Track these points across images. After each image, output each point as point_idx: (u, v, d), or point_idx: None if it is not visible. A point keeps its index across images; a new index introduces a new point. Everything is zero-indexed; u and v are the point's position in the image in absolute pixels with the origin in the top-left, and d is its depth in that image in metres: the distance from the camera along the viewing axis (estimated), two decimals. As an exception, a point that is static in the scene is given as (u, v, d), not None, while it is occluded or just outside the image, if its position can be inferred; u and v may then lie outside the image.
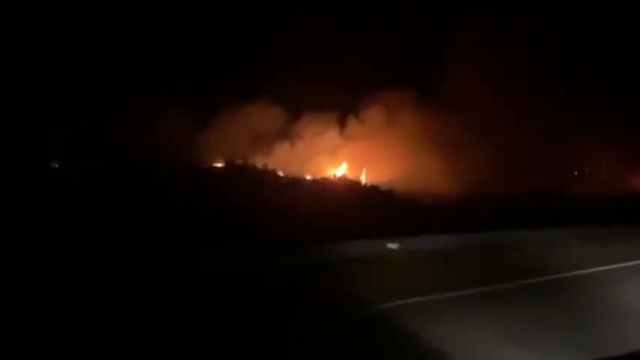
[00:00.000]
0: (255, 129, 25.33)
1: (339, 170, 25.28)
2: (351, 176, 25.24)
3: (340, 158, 26.06)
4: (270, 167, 23.39)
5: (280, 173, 23.42)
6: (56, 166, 20.89)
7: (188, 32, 25.10)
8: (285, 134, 26.16)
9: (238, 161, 22.83)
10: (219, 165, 23.34)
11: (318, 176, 24.79)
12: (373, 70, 28.19)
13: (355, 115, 27.40)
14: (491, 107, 27.40)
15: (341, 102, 27.54)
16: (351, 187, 23.05)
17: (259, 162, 24.02)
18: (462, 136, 27.82)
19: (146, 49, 23.94)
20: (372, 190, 22.59)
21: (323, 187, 22.02)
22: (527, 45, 27.27)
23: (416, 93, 27.52)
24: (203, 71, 24.92)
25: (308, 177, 23.86)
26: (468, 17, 28.25)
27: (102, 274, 8.11)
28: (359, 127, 27.20)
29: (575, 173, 29.61)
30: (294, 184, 21.65)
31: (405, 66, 28.52)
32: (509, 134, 27.49)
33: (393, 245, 11.52)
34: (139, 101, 22.70)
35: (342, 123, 27.29)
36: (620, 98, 26.82)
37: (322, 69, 27.43)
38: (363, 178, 25.23)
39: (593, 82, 26.60)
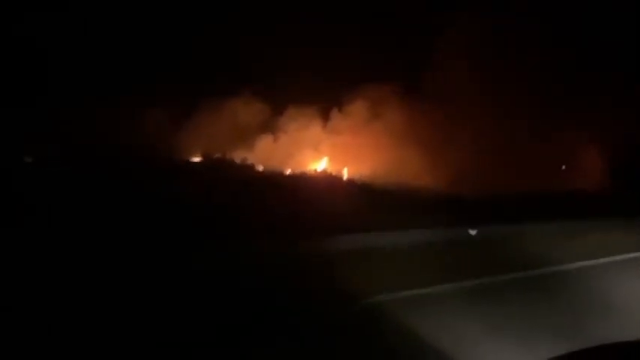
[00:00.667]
0: (238, 123, 25.12)
1: (320, 165, 25.04)
2: (333, 171, 25.04)
3: (324, 152, 25.84)
4: (251, 162, 23.24)
5: (260, 168, 23.25)
6: (29, 161, 20.71)
7: (168, 26, 24.94)
8: (269, 128, 25.91)
9: (217, 155, 22.61)
10: (196, 160, 23.12)
11: (301, 171, 24.61)
12: (359, 63, 28.06)
13: (339, 108, 27.15)
14: (479, 103, 27.17)
15: (325, 96, 27.40)
16: (328, 181, 22.89)
17: (241, 156, 23.87)
18: (447, 131, 27.57)
19: (125, 44, 23.75)
20: (349, 185, 22.43)
21: (300, 181, 21.85)
22: (515, 43, 26.86)
23: (402, 86, 27.19)
24: (184, 66, 24.74)
25: (288, 172, 23.63)
26: (456, 13, 28.01)
27: (78, 273, 8.00)
28: (343, 121, 26.91)
29: (563, 168, 29.22)
30: (271, 178, 21.48)
31: (391, 59, 28.32)
32: (496, 130, 27.23)
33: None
34: (117, 97, 22.53)
35: (326, 117, 27.03)
36: (604, 94, 26.39)
37: (306, 62, 27.38)
38: (345, 173, 25.04)
39: (579, 79, 26.29)
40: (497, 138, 27.48)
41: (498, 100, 27.13)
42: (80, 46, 21.99)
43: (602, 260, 11.11)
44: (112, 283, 7.71)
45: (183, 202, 15.21)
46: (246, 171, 21.81)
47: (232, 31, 26.33)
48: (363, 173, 25.38)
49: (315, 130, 26.70)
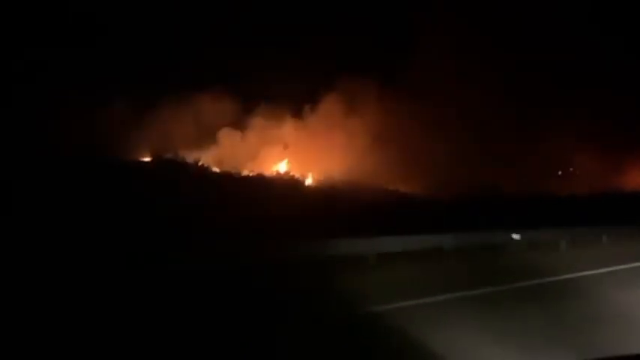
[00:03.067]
0: (203, 121, 24.12)
1: (280, 166, 23.67)
2: (297, 172, 23.64)
3: (291, 153, 24.48)
4: (208, 162, 22.22)
5: (215, 169, 22.15)
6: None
7: (137, 22, 24.06)
8: (236, 126, 24.75)
9: (168, 155, 21.62)
10: (145, 159, 22.24)
11: (266, 172, 23.35)
12: (334, 59, 26.49)
13: (311, 107, 25.75)
14: (460, 102, 25.16)
15: (298, 93, 26.01)
16: (283, 184, 21.52)
17: (202, 156, 22.84)
18: (425, 131, 25.71)
19: (93, 39, 23.06)
20: (304, 188, 21.08)
21: (252, 184, 20.62)
22: (499, 43, 24.70)
23: (378, 82, 25.60)
24: (148, 62, 23.83)
25: (245, 173, 22.40)
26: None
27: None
28: (314, 120, 25.53)
29: (560, 173, 26.80)
30: (221, 180, 20.34)
31: (368, 55, 26.61)
32: (478, 130, 25.19)
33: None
34: (79, 93, 21.86)
35: (297, 115, 25.69)
36: (594, 98, 23.97)
37: (279, 59, 26.02)
38: (310, 176, 23.60)
39: (567, 82, 24.07)
40: (481, 138, 25.54)
41: (482, 101, 25.22)
42: (41, 41, 21.47)
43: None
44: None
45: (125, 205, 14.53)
46: (197, 172, 20.74)
47: (204, 28, 25.43)
48: (332, 175, 23.97)
49: (284, 128, 25.47)
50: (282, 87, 25.51)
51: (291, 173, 23.48)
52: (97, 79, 22.74)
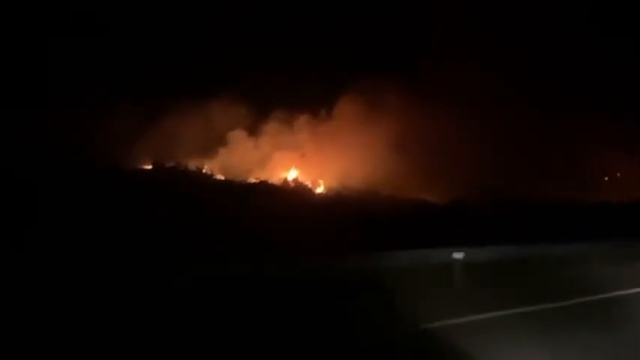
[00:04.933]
0: (213, 127, 23.33)
1: (290, 174, 22.41)
2: (308, 180, 22.28)
3: (303, 159, 23.15)
4: (213, 169, 21.32)
5: (219, 177, 21.18)
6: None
7: (147, 24, 23.77)
8: (249, 132, 23.81)
9: (170, 164, 20.88)
10: (146, 167, 21.62)
11: (275, 179, 22.18)
12: (351, 61, 25.09)
13: (327, 111, 24.40)
14: (486, 105, 23.09)
15: (314, 97, 24.78)
16: (290, 192, 20.19)
17: (208, 163, 22.00)
18: (454, 135, 23.73)
19: (97, 44, 22.94)
20: (313, 197, 19.67)
21: (255, 192, 19.46)
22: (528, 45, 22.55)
23: (398, 84, 23.83)
24: (158, 65, 23.43)
25: (252, 180, 21.30)
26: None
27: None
28: (330, 124, 24.13)
29: (606, 179, 23.96)
30: (222, 188, 19.34)
31: (387, 56, 25.03)
32: (512, 134, 22.94)
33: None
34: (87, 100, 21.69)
35: (312, 120, 24.43)
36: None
37: (293, 62, 24.94)
38: (321, 184, 22.18)
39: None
40: (516, 142, 23.27)
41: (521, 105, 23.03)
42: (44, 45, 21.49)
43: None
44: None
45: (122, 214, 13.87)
46: (198, 180, 19.87)
47: (216, 32, 24.80)
48: (346, 183, 22.46)
49: (299, 134, 24.24)
50: (298, 91, 24.55)
51: (301, 181, 22.22)
52: (104, 82, 22.66)
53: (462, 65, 22.60)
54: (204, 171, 21.36)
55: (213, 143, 23.01)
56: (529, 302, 7.87)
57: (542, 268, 10.86)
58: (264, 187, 20.29)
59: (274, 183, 21.44)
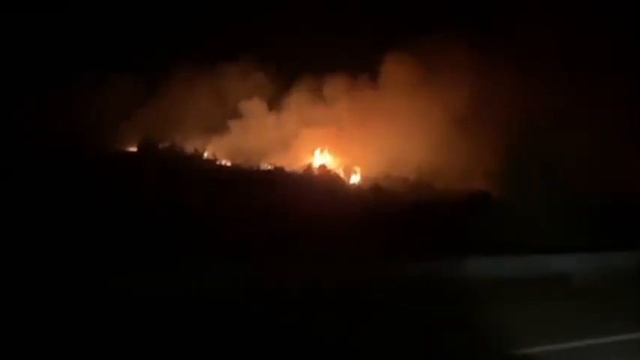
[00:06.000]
0: (224, 100, 18.64)
1: (316, 159, 17.32)
2: (338, 168, 17.19)
3: (335, 139, 18.01)
4: (219, 152, 16.68)
5: (226, 162, 16.56)
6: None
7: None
8: (267, 106, 18.92)
9: (164, 145, 16.43)
10: (131, 150, 17.14)
11: (298, 165, 17.31)
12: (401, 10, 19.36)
13: (369, 76, 18.86)
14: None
15: (351, 58, 19.35)
16: (322, 186, 15.20)
17: (211, 144, 17.45)
18: (540, 107, 17.66)
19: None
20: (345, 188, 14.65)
21: (267, 181, 14.68)
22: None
23: (461, 42, 17.85)
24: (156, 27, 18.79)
25: (265, 167, 16.51)
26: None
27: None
28: (371, 95, 18.65)
29: None
30: (222, 177, 14.77)
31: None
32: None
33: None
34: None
35: (349, 89, 19.00)
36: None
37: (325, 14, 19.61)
38: (357, 172, 17.02)
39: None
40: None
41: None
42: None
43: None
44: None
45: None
46: (195, 166, 15.37)
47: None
48: (390, 172, 17.16)
49: (333, 107, 18.98)
50: (332, 51, 19.33)
51: (331, 167, 17.23)
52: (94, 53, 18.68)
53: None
54: (205, 155, 16.95)
55: (223, 119, 18.44)
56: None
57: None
58: (278, 175, 15.54)
59: (296, 170, 16.68)
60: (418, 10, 18.71)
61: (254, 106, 19.08)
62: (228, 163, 16.75)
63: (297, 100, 19.41)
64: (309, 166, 16.87)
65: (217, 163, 16.56)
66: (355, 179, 17.22)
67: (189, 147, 16.78)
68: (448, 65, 18.46)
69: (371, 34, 19.22)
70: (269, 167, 16.42)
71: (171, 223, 11.69)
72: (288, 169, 16.44)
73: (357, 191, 15.92)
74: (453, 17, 18.67)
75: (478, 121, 17.30)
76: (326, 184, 15.64)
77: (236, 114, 18.98)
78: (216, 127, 18.50)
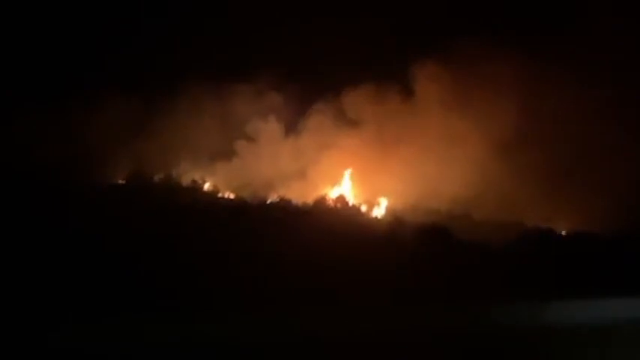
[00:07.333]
0: (232, 123, 16.51)
1: (334, 191, 14.74)
2: (360, 198, 14.59)
3: (357, 167, 15.42)
4: (210, 185, 14.49)
5: (229, 195, 14.32)
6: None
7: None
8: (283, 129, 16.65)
9: (159, 176, 14.38)
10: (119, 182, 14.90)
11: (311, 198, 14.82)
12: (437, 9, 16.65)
13: (401, 90, 16.18)
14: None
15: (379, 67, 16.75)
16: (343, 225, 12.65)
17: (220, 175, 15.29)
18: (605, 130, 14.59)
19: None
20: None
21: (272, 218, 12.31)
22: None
23: (506, 50, 14.99)
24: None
25: (271, 200, 14.11)
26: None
27: None
28: (402, 112, 15.94)
29: None
30: (223, 213, 12.53)
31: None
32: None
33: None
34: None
35: (376, 104, 16.39)
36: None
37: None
38: (383, 203, 14.34)
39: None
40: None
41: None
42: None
43: None
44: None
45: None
46: (190, 200, 13.23)
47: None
48: (421, 203, 14.38)
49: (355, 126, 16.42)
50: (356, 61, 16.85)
51: (349, 199, 14.65)
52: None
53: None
54: (206, 187, 14.83)
55: (230, 144, 16.15)
56: None
57: None
58: (283, 210, 13.13)
59: (307, 203, 14.21)
60: (455, 10, 16.17)
61: (267, 129, 16.97)
62: (232, 196, 14.66)
63: (316, 121, 17.13)
64: (324, 199, 14.44)
65: (219, 195, 14.49)
66: (379, 212, 14.74)
67: (188, 177, 14.76)
68: (497, 77, 15.68)
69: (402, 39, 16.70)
70: (277, 200, 14.09)
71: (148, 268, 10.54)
72: (299, 201, 14.08)
73: (376, 228, 13.27)
74: (500, 19, 15.98)
75: (532, 145, 14.41)
76: (339, 221, 13.11)
77: (246, 138, 16.98)
78: (223, 154, 16.52)
